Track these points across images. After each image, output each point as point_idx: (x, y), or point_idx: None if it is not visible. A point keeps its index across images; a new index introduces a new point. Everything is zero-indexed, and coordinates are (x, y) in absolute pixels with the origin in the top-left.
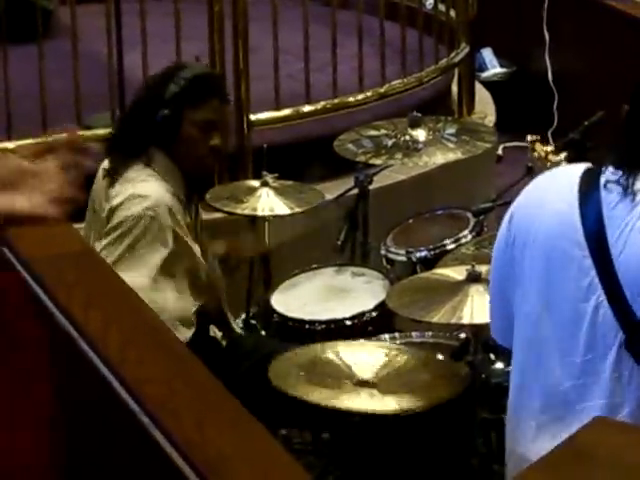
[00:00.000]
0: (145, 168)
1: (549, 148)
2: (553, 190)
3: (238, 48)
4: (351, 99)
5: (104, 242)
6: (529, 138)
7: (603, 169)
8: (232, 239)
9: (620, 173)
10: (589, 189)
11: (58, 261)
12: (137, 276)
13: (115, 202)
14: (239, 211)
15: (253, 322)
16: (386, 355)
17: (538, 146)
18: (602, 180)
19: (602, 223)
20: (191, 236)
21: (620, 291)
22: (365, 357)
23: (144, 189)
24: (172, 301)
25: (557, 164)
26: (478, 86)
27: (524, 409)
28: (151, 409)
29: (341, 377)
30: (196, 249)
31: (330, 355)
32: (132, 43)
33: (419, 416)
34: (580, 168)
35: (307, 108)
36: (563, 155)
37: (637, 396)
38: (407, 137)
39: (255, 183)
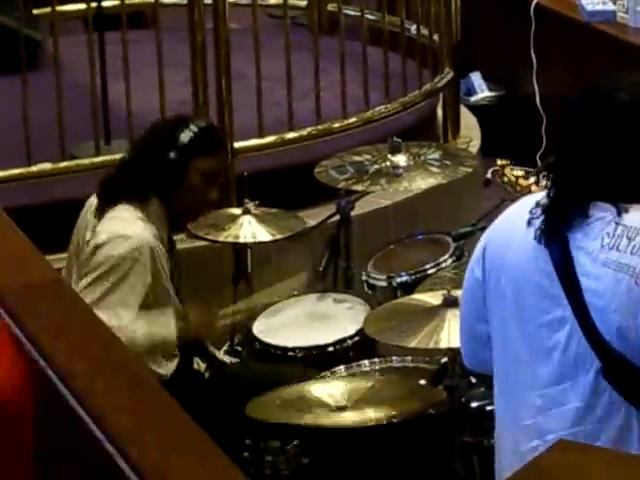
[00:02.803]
0: (134, 209)
1: (520, 172)
2: (521, 223)
3: (221, 76)
4: (335, 125)
5: (87, 280)
6: (498, 163)
7: (563, 197)
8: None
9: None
10: (553, 216)
11: (28, 291)
12: (118, 315)
13: (100, 240)
14: (221, 239)
15: (238, 349)
16: (360, 385)
17: (507, 171)
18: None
19: (569, 253)
20: (170, 280)
21: (593, 322)
22: (337, 389)
23: (129, 230)
24: (156, 330)
25: (527, 188)
26: (464, 110)
27: (505, 439)
28: (117, 438)
29: (317, 405)
30: (169, 293)
31: (304, 391)
32: (117, 72)
33: (399, 440)
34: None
35: (291, 135)
36: (533, 179)
37: (617, 425)
38: (388, 163)
39: (237, 211)
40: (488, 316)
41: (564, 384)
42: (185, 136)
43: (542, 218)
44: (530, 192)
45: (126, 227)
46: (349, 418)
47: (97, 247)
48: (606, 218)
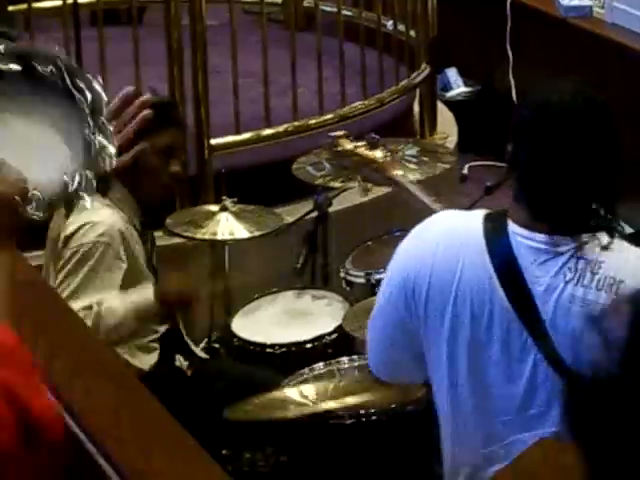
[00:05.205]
0: (100, 198)
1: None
2: (461, 248)
3: (197, 73)
4: (312, 122)
5: (63, 273)
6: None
7: (510, 222)
8: (187, 274)
9: (537, 232)
10: (500, 247)
11: None
12: (97, 301)
13: (69, 231)
14: (199, 236)
15: (216, 346)
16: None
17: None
18: (514, 237)
19: (524, 284)
20: (146, 264)
21: (557, 352)
22: (313, 389)
23: (97, 216)
24: (133, 297)
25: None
26: (440, 106)
27: (460, 466)
28: (98, 438)
29: (296, 404)
30: (147, 276)
31: (281, 394)
32: (93, 69)
33: (378, 437)
34: (479, 219)
35: (268, 131)
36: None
37: None
38: None
39: (214, 208)
40: (426, 346)
41: (532, 411)
42: None
43: (488, 241)
44: None
45: (93, 214)
46: (330, 405)
47: (67, 238)
48: (566, 253)
